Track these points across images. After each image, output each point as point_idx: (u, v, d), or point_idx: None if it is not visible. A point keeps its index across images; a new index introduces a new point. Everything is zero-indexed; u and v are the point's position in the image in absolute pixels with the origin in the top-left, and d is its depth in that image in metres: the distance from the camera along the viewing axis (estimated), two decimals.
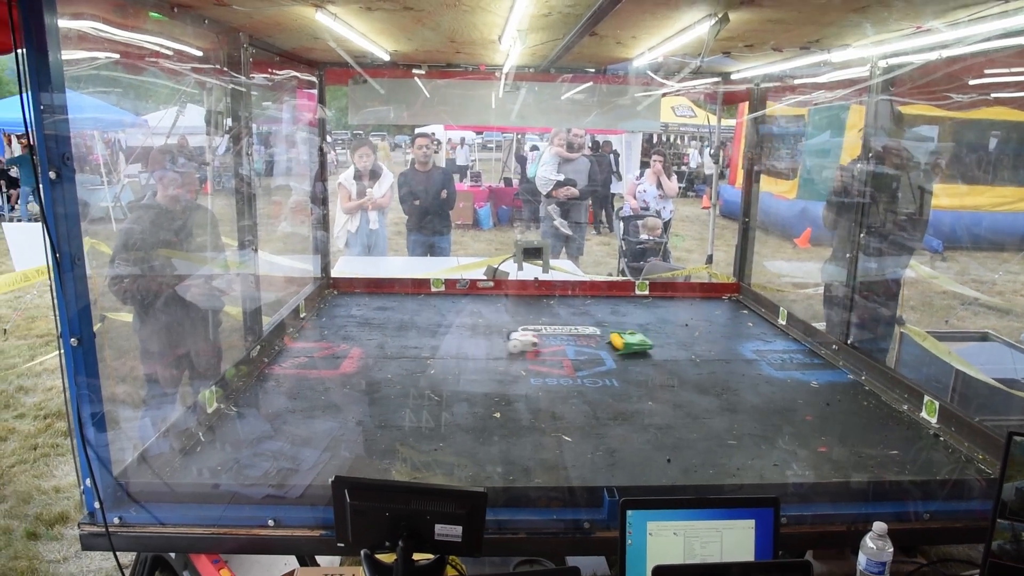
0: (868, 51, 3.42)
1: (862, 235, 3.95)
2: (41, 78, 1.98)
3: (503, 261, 5.31)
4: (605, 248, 12.24)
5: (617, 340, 4.01)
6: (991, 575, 2.08)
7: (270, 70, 4.40)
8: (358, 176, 6.84)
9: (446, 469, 2.61)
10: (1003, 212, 11.77)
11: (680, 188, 18.51)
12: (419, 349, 3.93)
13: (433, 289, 5.18)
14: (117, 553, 2.27)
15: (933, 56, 3.20)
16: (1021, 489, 2.02)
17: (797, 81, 4.53)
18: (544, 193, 8.34)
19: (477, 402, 3.22)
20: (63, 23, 2.06)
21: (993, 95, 3.69)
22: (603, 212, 14.36)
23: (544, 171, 8.35)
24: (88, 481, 2.23)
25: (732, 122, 14.09)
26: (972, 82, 3.46)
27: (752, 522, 2.04)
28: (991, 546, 2.07)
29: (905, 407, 3.27)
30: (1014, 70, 3.09)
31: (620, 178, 15.10)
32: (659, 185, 8.78)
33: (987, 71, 3.27)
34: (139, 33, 2.93)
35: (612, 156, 15.78)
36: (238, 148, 3.76)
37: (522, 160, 15.03)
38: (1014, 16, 2.39)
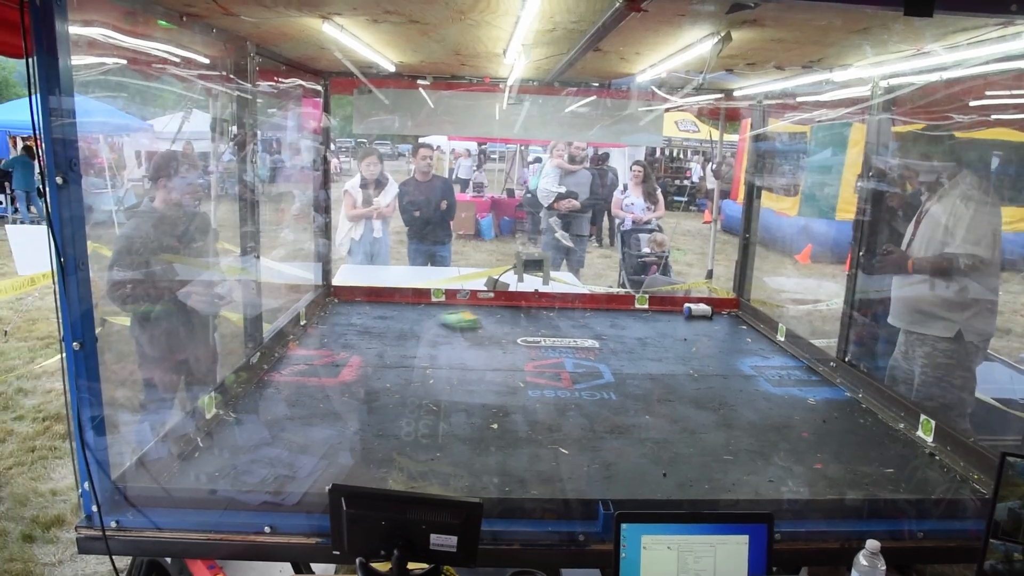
0: (869, 71, 3.45)
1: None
2: (50, 83, 2.01)
3: (504, 272, 5.33)
4: (606, 261, 12.25)
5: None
6: None
7: (276, 78, 4.44)
8: (364, 184, 6.87)
9: (442, 479, 2.62)
10: (1006, 231, 11.81)
11: (682, 202, 18.58)
12: (418, 359, 3.94)
13: (433, 299, 5.19)
14: (113, 557, 2.28)
15: (934, 77, 3.23)
16: (1014, 510, 2.03)
17: (799, 99, 4.56)
18: (545, 205, 8.36)
19: (475, 413, 3.23)
20: (74, 30, 2.09)
21: (993, 116, 3.72)
22: (605, 224, 14.35)
23: (546, 183, 8.38)
24: (86, 484, 2.24)
25: (735, 138, 14.13)
26: (972, 103, 3.49)
27: (746, 537, 2.04)
28: (984, 566, 2.08)
29: (901, 426, 3.28)
30: (1013, 92, 3.12)
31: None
32: (646, 197, 8.74)
33: (987, 92, 3.29)
34: (148, 40, 2.97)
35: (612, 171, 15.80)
36: (243, 155, 3.78)
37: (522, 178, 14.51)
38: (1012, 41, 2.42)
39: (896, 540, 2.39)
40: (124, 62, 3.05)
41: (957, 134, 3.83)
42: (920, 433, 3.16)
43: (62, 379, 2.22)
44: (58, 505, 4.31)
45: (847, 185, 11.90)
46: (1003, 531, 2.05)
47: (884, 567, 2.04)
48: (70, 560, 3.83)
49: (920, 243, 3.70)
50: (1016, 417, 4.20)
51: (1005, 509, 2.05)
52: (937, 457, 2.99)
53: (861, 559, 2.06)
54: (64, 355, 2.19)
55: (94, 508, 2.26)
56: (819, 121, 5.21)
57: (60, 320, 2.15)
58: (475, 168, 20.21)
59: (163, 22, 2.89)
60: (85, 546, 2.30)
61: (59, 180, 2.06)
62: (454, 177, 19.26)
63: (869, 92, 3.76)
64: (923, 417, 3.17)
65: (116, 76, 3.25)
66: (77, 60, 2.12)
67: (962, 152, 3.87)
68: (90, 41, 2.46)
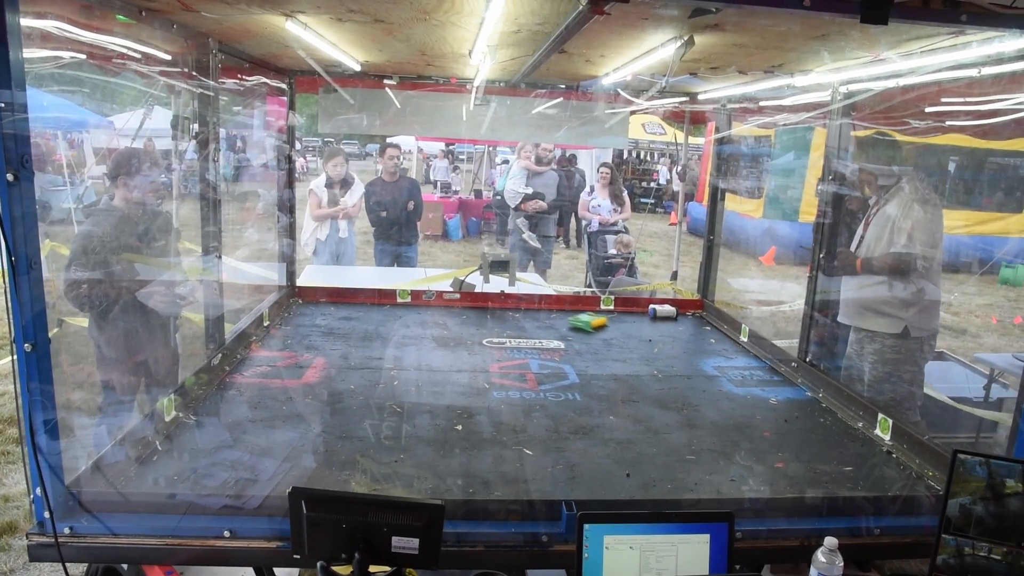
0: (829, 77, 3.52)
1: None
2: (0, 76, 1.96)
3: (470, 273, 5.33)
4: (573, 262, 12.31)
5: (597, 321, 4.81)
6: None
7: (240, 76, 4.37)
8: (329, 184, 6.82)
9: (406, 481, 2.61)
10: (961, 235, 12.11)
11: (649, 204, 18.72)
12: (383, 360, 3.92)
13: (399, 300, 5.16)
14: (67, 564, 2.22)
15: (891, 84, 3.31)
16: (965, 505, 2.08)
17: (762, 103, 4.62)
18: (512, 206, 8.37)
19: (439, 414, 3.21)
20: (26, 22, 2.04)
21: (947, 122, 3.82)
22: (571, 226, 14.39)
23: (512, 184, 8.39)
24: (38, 490, 2.19)
25: (701, 140, 14.29)
26: (928, 109, 3.58)
27: (707, 536, 2.07)
28: (937, 561, 2.13)
29: (860, 424, 3.34)
30: (966, 99, 3.20)
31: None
32: (613, 198, 8.79)
33: (942, 99, 3.38)
34: (106, 35, 2.90)
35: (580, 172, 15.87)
36: (205, 153, 3.72)
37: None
38: (963, 50, 2.49)
39: (854, 537, 2.44)
40: (82, 56, 2.98)
41: (913, 139, 3.94)
42: (878, 431, 3.23)
43: (14, 382, 2.16)
44: (11, 512, 4.19)
45: (810, 188, 12.11)
46: (955, 527, 2.10)
47: (842, 563, 2.08)
48: (22, 568, 3.73)
49: (869, 243, 3.82)
50: (969, 415, 4.32)
51: (957, 505, 2.10)
52: (894, 455, 3.05)
53: (819, 556, 2.09)
54: (15, 357, 2.13)
55: (46, 514, 2.21)
56: (782, 125, 5.30)
57: (11, 321, 2.10)
58: (452, 170, 20.15)
59: (122, 16, 2.83)
60: (37, 554, 2.24)
61: (10, 177, 2.01)
62: (429, 178, 19.20)
63: (829, 97, 3.84)
64: (880, 416, 3.24)
65: (74, 71, 3.18)
66: (30, 53, 2.07)
67: (918, 157, 3.98)
68: (44, 34, 2.40)
